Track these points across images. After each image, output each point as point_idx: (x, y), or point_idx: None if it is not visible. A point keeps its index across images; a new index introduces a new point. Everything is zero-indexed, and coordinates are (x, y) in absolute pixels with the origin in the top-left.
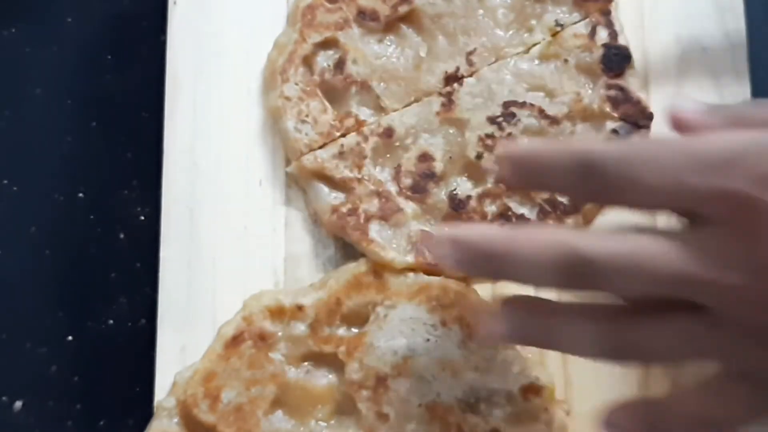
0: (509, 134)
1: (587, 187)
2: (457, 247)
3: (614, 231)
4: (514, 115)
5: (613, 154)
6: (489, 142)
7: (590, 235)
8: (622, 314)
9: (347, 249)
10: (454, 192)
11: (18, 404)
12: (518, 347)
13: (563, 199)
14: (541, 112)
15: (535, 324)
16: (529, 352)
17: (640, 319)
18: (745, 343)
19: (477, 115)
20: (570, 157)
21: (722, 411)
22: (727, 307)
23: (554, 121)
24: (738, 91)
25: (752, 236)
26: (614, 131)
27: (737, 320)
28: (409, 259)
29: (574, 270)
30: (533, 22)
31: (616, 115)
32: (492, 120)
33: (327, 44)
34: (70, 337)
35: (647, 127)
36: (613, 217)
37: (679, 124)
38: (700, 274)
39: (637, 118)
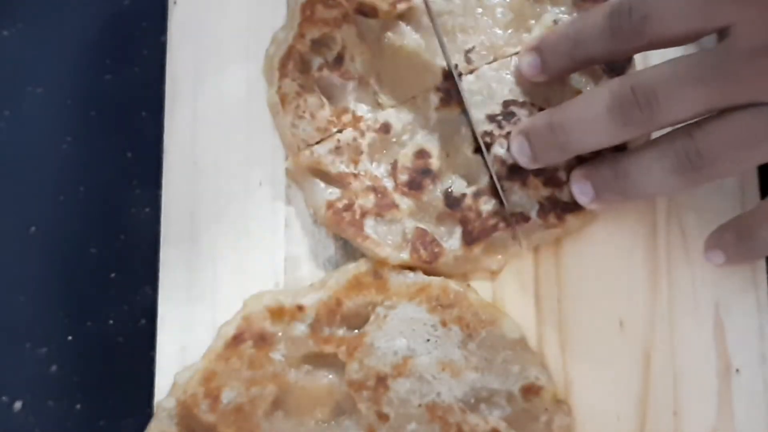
0: (508, 133)
1: (619, 31)
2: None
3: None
4: (513, 114)
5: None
6: (487, 140)
7: (642, 71)
8: (688, 130)
9: (347, 249)
10: (449, 189)
11: (18, 404)
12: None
13: (563, 197)
14: (540, 111)
15: (609, 174)
16: (531, 353)
17: (704, 126)
18: None
19: (476, 113)
20: (596, 15)
21: None
22: None
23: None
24: None
25: None
26: None
27: None
28: (404, 255)
29: (636, 99)
30: (532, 22)
31: None
32: (491, 118)
33: (325, 40)
34: (70, 337)
35: None
36: (612, 217)
37: None
38: (748, 67)
39: None
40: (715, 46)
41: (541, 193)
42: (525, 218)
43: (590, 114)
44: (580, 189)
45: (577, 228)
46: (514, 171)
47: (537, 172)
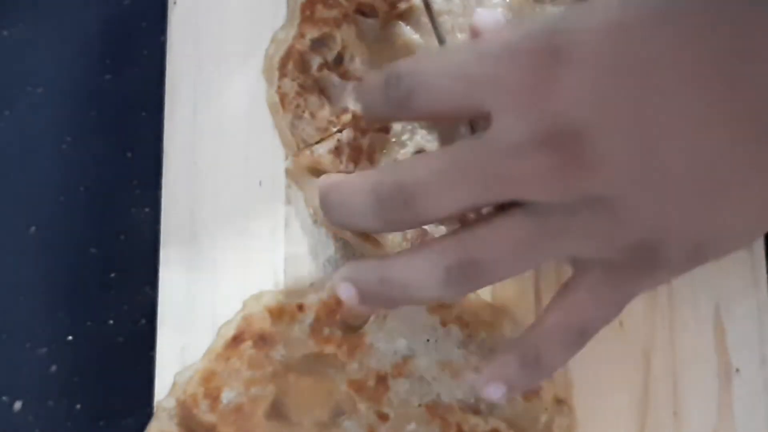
0: None
1: (390, 100)
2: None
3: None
4: None
5: (409, 64)
6: None
7: (399, 165)
8: (458, 233)
9: (347, 249)
10: None
11: (18, 404)
12: None
13: None
14: None
15: (378, 276)
16: None
17: (476, 231)
18: (579, 227)
19: None
20: (377, 75)
21: (589, 314)
22: (550, 194)
23: None
24: None
25: (544, 100)
26: None
27: (563, 207)
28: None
29: (393, 199)
30: None
31: None
32: None
33: (325, 40)
34: (70, 337)
35: None
36: None
37: (476, 32)
38: (508, 165)
39: None
40: (479, 134)
41: None
42: None
43: (356, 201)
44: (345, 290)
45: None
46: None
47: None
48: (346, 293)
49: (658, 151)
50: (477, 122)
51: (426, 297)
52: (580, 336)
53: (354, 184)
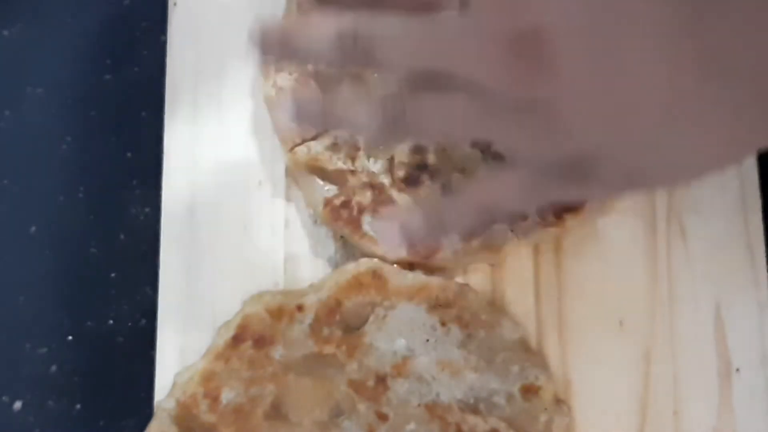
0: None
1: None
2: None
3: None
4: None
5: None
6: None
7: (370, 17)
8: (403, 89)
9: (347, 249)
10: (447, 184)
11: (18, 404)
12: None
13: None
14: None
15: (320, 104)
16: (530, 353)
17: (421, 94)
18: (516, 121)
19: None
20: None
21: (501, 198)
22: (495, 82)
23: None
24: None
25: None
26: None
27: (507, 99)
28: (402, 253)
29: (352, 43)
30: None
31: None
32: None
33: None
34: (70, 337)
35: None
36: (612, 217)
37: None
38: (470, 43)
39: None
40: (453, 14)
41: None
42: (523, 217)
43: (323, 35)
44: (285, 106)
45: (575, 227)
46: None
47: None
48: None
49: (614, 71)
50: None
51: (363, 133)
52: (487, 214)
53: (324, 22)
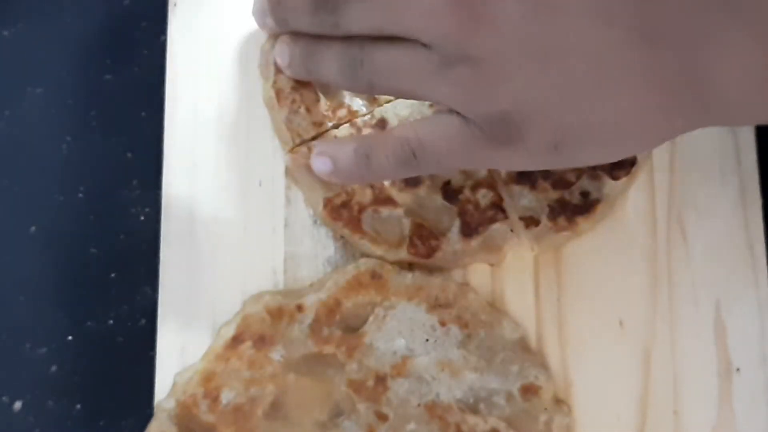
0: None
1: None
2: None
3: None
4: None
5: None
6: None
7: None
8: (361, 41)
9: (347, 249)
10: (447, 183)
11: (18, 404)
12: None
13: (573, 200)
14: None
15: (301, 52)
16: (530, 353)
17: (375, 46)
18: (456, 75)
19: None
20: None
21: (428, 144)
22: (437, 33)
23: None
24: None
25: None
26: None
27: (446, 54)
28: (402, 251)
29: (326, 4)
30: None
31: None
32: None
33: None
34: (70, 337)
35: None
36: (612, 217)
37: None
38: (415, 1)
39: None
40: None
41: (551, 196)
42: (535, 222)
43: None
44: (280, 52)
45: (587, 230)
46: (523, 175)
47: (545, 175)
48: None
49: (549, 34)
50: None
51: (326, 81)
52: (412, 156)
53: None
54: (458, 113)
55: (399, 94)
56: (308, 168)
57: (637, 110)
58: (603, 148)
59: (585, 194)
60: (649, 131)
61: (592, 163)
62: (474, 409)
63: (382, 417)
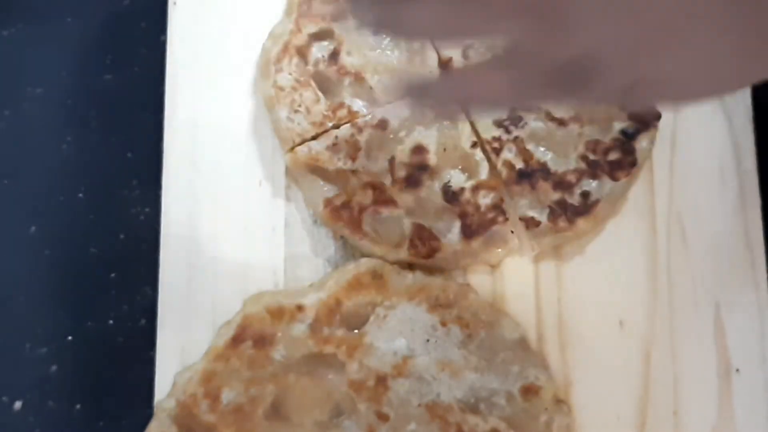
0: (516, 137)
1: None
2: None
3: None
4: (521, 118)
5: None
6: (496, 145)
7: None
8: None
9: (347, 249)
10: (448, 184)
11: (18, 404)
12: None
13: (573, 201)
14: (548, 115)
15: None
16: (531, 353)
17: None
18: (523, 18)
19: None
20: None
21: (485, 91)
22: None
23: (561, 123)
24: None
25: None
26: (623, 132)
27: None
28: (402, 252)
29: None
30: None
31: (624, 115)
32: (499, 123)
33: (322, 35)
34: (70, 337)
35: (655, 126)
36: (612, 218)
37: None
38: None
39: (645, 117)
40: None
41: (551, 197)
42: (535, 222)
43: None
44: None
45: (587, 231)
46: (524, 176)
47: (546, 176)
48: None
49: None
50: None
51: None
52: (473, 98)
53: None
54: (519, 53)
55: (446, 37)
56: (308, 168)
57: (714, 54)
58: (675, 93)
59: (585, 195)
60: (725, 76)
61: (662, 104)
62: (474, 409)
63: (383, 417)
